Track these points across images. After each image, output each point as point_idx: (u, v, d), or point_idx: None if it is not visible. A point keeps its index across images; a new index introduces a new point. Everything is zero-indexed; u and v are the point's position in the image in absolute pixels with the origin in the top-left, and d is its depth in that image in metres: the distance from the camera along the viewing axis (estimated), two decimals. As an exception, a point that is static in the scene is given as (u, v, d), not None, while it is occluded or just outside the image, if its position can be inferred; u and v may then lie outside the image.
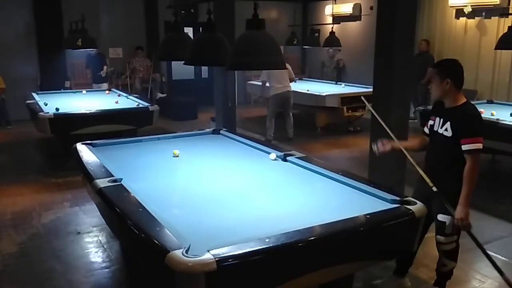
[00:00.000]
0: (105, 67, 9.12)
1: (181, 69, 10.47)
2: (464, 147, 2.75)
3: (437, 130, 2.94)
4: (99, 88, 8.88)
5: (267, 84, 7.43)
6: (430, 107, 5.14)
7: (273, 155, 3.65)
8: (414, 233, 2.62)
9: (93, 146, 3.90)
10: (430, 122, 3.03)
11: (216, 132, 4.68)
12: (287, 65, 7.35)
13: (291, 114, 7.58)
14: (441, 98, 2.94)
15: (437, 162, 2.97)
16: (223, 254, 1.95)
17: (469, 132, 2.76)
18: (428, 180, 2.88)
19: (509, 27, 5.47)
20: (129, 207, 2.53)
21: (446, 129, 2.87)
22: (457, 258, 3.07)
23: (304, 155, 3.66)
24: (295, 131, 7.66)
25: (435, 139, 2.98)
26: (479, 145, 2.74)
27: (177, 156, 3.71)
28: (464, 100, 2.89)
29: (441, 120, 2.92)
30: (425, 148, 3.15)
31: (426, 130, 3.10)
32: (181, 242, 2.05)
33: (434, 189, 2.84)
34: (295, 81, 8.18)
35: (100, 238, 4.06)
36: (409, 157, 3.10)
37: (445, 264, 3.05)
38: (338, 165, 3.38)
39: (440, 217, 2.92)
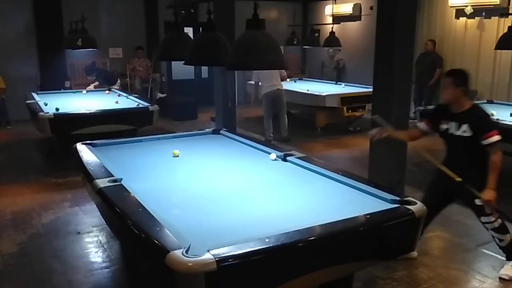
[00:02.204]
0: (92, 85, 8.60)
1: (181, 69, 10.47)
2: (486, 142, 3.15)
3: (452, 133, 3.32)
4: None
5: (260, 84, 7.43)
6: (430, 107, 5.11)
7: (273, 155, 3.65)
8: (414, 233, 2.61)
9: (93, 146, 3.90)
10: (444, 126, 3.37)
11: (216, 132, 4.68)
12: None
13: (285, 114, 7.52)
14: (451, 103, 3.31)
15: (458, 158, 3.34)
16: (223, 254, 1.94)
17: (487, 128, 3.18)
18: (451, 173, 3.26)
19: (509, 27, 5.47)
20: (129, 207, 2.53)
21: (464, 131, 3.24)
22: (508, 229, 3.39)
23: (304, 155, 3.65)
24: (295, 131, 7.66)
25: (452, 140, 3.35)
26: (498, 137, 3.15)
27: (177, 156, 3.71)
28: (471, 103, 3.31)
29: (456, 123, 3.29)
30: (413, 140, 3.63)
31: (423, 126, 3.52)
32: (181, 242, 2.05)
33: (458, 179, 3.23)
34: (289, 80, 8.10)
35: (100, 238, 4.06)
36: (428, 157, 3.48)
37: (502, 239, 3.38)
38: (338, 165, 3.38)
39: (478, 201, 3.26)
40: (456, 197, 3.50)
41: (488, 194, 3.16)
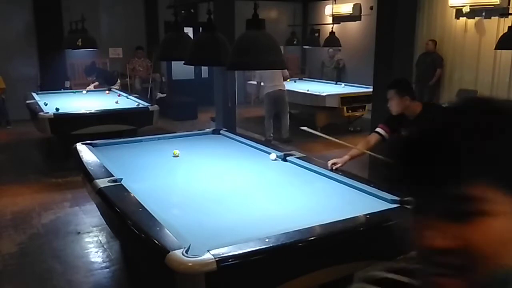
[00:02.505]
0: (92, 85, 8.55)
1: (181, 69, 10.46)
2: None
3: None
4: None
5: (262, 84, 7.43)
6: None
7: (273, 155, 3.65)
8: (414, 233, 2.61)
9: (93, 146, 3.90)
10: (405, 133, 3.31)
11: (216, 132, 4.68)
12: None
13: (287, 115, 7.51)
14: (403, 112, 3.33)
15: None
16: (223, 254, 1.94)
17: None
18: (378, 155, 3.40)
19: (509, 27, 5.47)
20: (129, 207, 2.53)
21: None
22: None
23: (304, 155, 3.65)
24: (295, 131, 7.65)
25: None
26: None
27: (177, 156, 3.71)
28: (420, 105, 3.34)
29: None
30: (371, 147, 3.56)
31: (381, 131, 3.47)
32: (181, 242, 2.05)
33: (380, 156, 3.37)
34: (289, 80, 8.10)
35: (100, 238, 4.06)
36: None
37: None
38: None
39: None
40: None
41: None
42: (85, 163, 3.39)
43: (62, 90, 8.41)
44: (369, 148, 3.57)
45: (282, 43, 9.32)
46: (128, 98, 7.29)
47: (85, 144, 3.94)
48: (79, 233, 4.18)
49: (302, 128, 3.89)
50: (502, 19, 7.51)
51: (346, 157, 3.41)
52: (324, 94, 7.88)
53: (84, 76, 9.23)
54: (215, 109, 6.61)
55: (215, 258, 1.90)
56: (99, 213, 3.49)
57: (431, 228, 0.61)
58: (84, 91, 8.03)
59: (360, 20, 10.36)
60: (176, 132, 5.15)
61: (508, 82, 7.73)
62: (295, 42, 10.17)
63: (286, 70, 7.44)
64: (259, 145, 4.05)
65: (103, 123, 5.82)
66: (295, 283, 2.18)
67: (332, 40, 8.79)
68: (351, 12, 10.24)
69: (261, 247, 2.03)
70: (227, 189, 3.01)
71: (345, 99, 7.88)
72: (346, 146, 3.71)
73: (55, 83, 8.79)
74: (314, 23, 11.44)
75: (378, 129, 3.51)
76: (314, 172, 3.27)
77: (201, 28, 7.27)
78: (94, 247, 3.92)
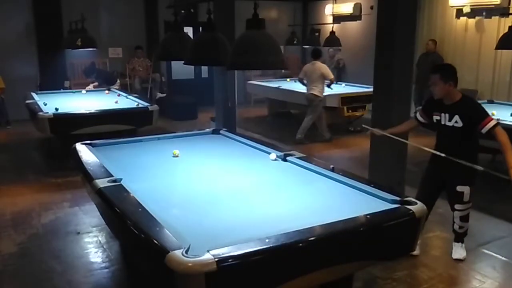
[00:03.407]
0: (91, 85, 8.56)
1: (181, 69, 10.46)
2: (485, 130, 3.29)
3: (445, 124, 3.44)
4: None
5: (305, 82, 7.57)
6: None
7: (273, 155, 3.65)
8: (414, 233, 2.61)
9: (92, 146, 3.90)
10: (436, 117, 3.51)
11: (216, 132, 4.67)
12: (322, 66, 7.36)
13: (309, 118, 7.49)
14: (443, 97, 3.41)
15: (450, 146, 3.44)
16: (223, 254, 1.94)
17: (480, 118, 3.31)
18: (439, 153, 3.41)
19: (509, 27, 5.47)
20: (129, 207, 2.53)
21: (456, 121, 3.36)
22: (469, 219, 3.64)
23: (304, 155, 3.65)
24: (295, 131, 7.65)
25: (444, 130, 3.48)
26: (494, 121, 3.32)
27: (177, 156, 3.70)
28: (460, 94, 3.41)
29: (447, 115, 3.42)
30: (410, 130, 3.87)
31: (420, 117, 3.67)
32: (181, 242, 2.04)
33: (443, 155, 3.37)
34: (334, 82, 8.01)
35: (100, 238, 4.06)
36: (417, 145, 3.71)
37: (462, 226, 3.63)
38: (338, 165, 3.37)
39: (459, 188, 3.45)
40: (444, 187, 3.61)
41: None
42: (84, 163, 3.39)
43: (62, 90, 8.40)
44: (406, 130, 3.88)
45: (282, 43, 9.32)
46: (127, 98, 7.28)
47: (85, 144, 3.93)
48: (78, 233, 4.18)
49: (364, 126, 4.03)
50: (502, 19, 7.52)
51: (387, 130, 3.72)
52: (324, 94, 7.86)
53: (84, 76, 9.23)
54: (215, 109, 6.61)
55: (215, 258, 1.90)
56: (98, 213, 3.49)
57: None
58: (84, 91, 8.02)
59: (360, 20, 10.36)
60: (176, 132, 5.14)
61: (509, 82, 7.73)
62: (295, 42, 10.17)
63: (330, 74, 7.49)
64: (259, 145, 4.04)
65: (102, 123, 5.82)
66: (295, 283, 2.18)
67: (332, 40, 8.80)
68: (351, 11, 10.24)
69: (261, 247, 2.03)
70: (227, 189, 3.01)
71: (345, 99, 7.88)
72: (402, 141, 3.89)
73: (54, 83, 8.80)
74: (314, 23, 11.44)
75: (418, 117, 3.68)
76: (314, 172, 3.27)
77: (201, 28, 7.28)
78: (93, 247, 3.92)
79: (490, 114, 5.43)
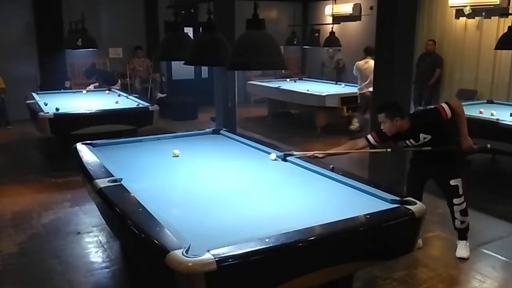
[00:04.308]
0: (92, 85, 8.54)
1: (181, 69, 10.46)
2: (448, 113, 3.39)
3: (416, 145, 3.54)
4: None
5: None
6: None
7: (273, 155, 3.65)
8: (414, 233, 2.61)
9: (93, 146, 3.90)
10: (402, 143, 3.62)
11: (216, 132, 4.68)
12: (372, 63, 7.40)
13: (365, 115, 7.69)
14: (396, 131, 3.47)
15: (428, 155, 3.54)
16: (223, 254, 1.95)
17: (435, 112, 3.46)
18: (426, 148, 3.47)
19: (509, 27, 5.46)
20: (129, 207, 2.53)
21: (424, 138, 3.48)
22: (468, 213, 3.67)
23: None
24: (295, 131, 7.65)
25: (418, 147, 3.55)
26: (444, 103, 3.47)
27: (177, 156, 3.71)
28: (408, 119, 3.48)
29: (412, 140, 3.53)
30: (356, 150, 3.75)
31: (372, 140, 3.58)
32: (181, 242, 2.05)
33: (427, 148, 3.46)
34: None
35: (100, 238, 4.06)
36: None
37: (463, 221, 3.63)
38: (338, 165, 3.37)
39: (453, 182, 3.53)
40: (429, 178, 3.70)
41: (465, 142, 3.44)
42: (85, 163, 3.39)
43: (62, 90, 8.40)
44: (353, 149, 3.80)
45: (282, 43, 9.33)
46: (128, 98, 7.28)
47: (85, 144, 3.94)
48: (79, 233, 4.18)
49: (294, 153, 3.70)
50: (502, 19, 7.51)
51: (329, 151, 3.67)
52: (324, 94, 7.88)
53: (85, 78, 9.23)
54: (215, 109, 6.61)
55: (215, 258, 1.90)
56: (99, 213, 3.49)
57: None
58: (84, 91, 8.03)
59: (360, 20, 10.35)
60: (176, 132, 5.14)
61: (508, 82, 7.73)
62: (295, 42, 10.17)
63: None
64: (259, 145, 4.05)
65: (103, 123, 5.82)
66: (295, 283, 2.18)
67: (332, 40, 8.80)
68: (351, 12, 10.23)
69: (261, 247, 2.03)
70: (227, 189, 3.01)
71: (345, 99, 7.88)
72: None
73: (55, 83, 8.79)
74: (314, 23, 11.44)
75: (369, 137, 3.62)
76: (314, 172, 3.27)
77: (201, 28, 7.29)
78: (94, 247, 3.92)
79: (490, 114, 5.50)
